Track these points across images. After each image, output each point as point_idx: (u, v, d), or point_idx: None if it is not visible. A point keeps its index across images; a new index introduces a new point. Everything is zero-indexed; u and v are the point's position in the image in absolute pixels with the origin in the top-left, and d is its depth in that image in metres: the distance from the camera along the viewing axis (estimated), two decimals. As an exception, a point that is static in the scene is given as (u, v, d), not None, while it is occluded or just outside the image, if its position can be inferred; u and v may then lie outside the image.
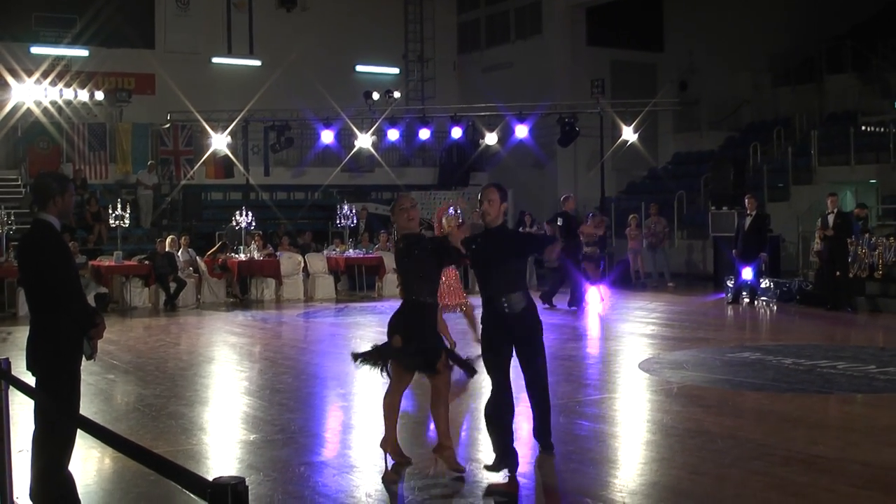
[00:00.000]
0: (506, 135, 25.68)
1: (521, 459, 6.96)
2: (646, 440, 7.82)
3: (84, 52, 26.30)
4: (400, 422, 7.04)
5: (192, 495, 2.96)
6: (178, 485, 2.94)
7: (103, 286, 18.05)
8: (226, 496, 2.65)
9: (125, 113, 26.03)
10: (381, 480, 6.58)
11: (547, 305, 16.99)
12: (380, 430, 6.97)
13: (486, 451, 7.54)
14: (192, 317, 17.44)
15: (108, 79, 26.44)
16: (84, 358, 5.50)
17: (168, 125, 25.42)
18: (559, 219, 17.11)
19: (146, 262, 18.74)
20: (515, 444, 6.87)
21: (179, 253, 19.40)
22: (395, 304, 7.20)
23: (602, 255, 18.35)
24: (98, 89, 25.11)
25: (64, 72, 24.94)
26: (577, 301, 17.10)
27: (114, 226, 19.36)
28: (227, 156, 24.77)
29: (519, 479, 6.63)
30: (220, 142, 23.93)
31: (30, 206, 9.88)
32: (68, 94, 24.13)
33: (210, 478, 2.84)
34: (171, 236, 19.92)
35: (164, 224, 24.18)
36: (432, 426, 7.17)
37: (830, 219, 16.70)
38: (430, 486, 6.46)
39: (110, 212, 19.29)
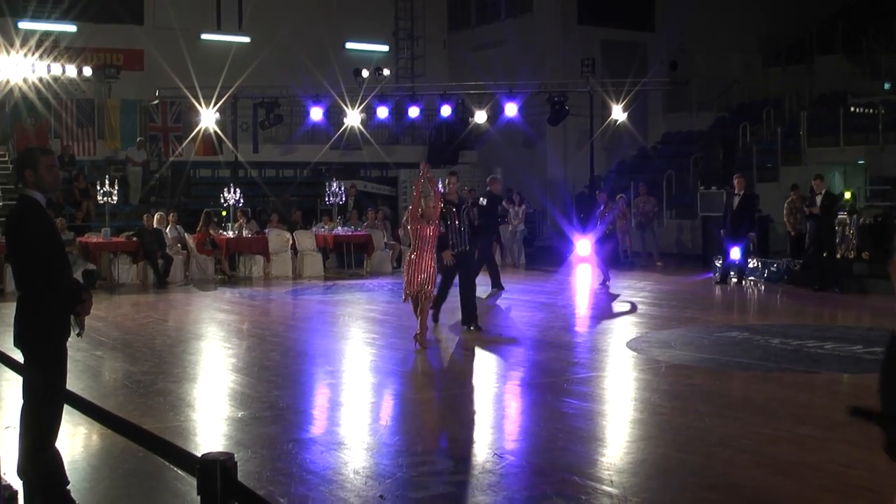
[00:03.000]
0: (495, 113, 25.59)
1: (506, 437, 6.95)
2: (634, 418, 7.85)
3: (72, 28, 26.08)
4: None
5: (180, 472, 2.94)
6: (167, 461, 2.93)
7: (91, 263, 17.98)
8: (214, 472, 2.64)
9: (114, 89, 25.85)
10: (372, 456, 6.59)
11: (496, 289, 16.72)
12: (364, 407, 6.94)
13: (471, 428, 7.54)
14: (181, 294, 17.39)
15: (96, 54, 26.23)
16: (74, 334, 5.47)
17: (157, 101, 25.25)
18: (482, 199, 16.95)
19: (134, 238, 18.67)
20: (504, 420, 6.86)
21: (168, 229, 19.32)
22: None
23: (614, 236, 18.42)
24: (86, 65, 24.88)
25: (52, 47, 24.69)
26: (497, 282, 16.87)
27: (102, 202, 19.26)
28: (215, 132, 24.64)
29: (506, 457, 6.64)
30: (208, 118, 23.78)
31: (16, 183, 9.84)
32: (56, 69, 23.90)
33: (198, 454, 2.83)
34: (159, 213, 19.83)
35: (152, 201, 24.04)
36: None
37: (818, 200, 16.71)
38: (418, 464, 6.46)
39: (98, 188, 19.18)
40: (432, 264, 11.09)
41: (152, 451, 3.11)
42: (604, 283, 17.38)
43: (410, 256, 11.19)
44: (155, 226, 18.94)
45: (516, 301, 15.86)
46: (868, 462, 6.33)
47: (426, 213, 11.02)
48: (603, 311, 14.91)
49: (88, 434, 7.11)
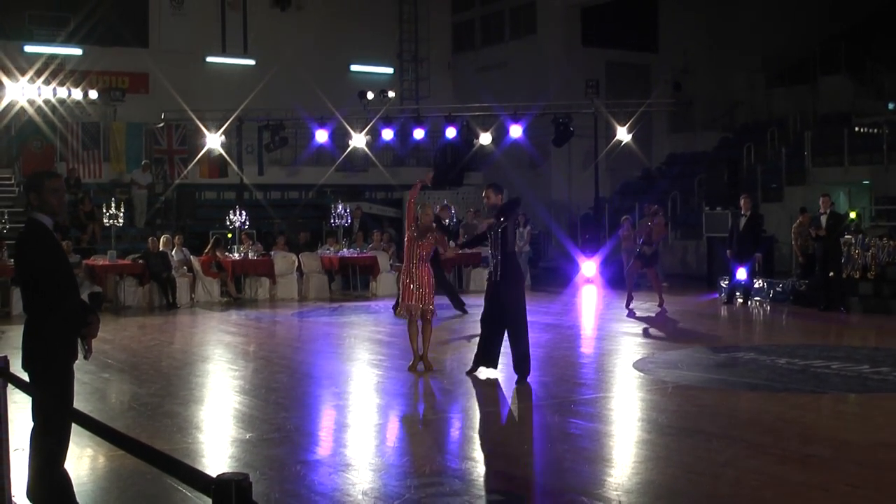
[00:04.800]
0: (500, 135, 25.69)
1: (514, 458, 6.95)
2: (641, 439, 7.84)
3: (78, 51, 26.26)
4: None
5: (188, 493, 2.96)
6: (181, 481, 2.94)
7: (97, 285, 18.03)
8: (230, 492, 2.66)
9: (119, 112, 26.01)
10: (380, 477, 6.60)
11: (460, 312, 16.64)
12: (371, 428, 6.96)
13: (479, 449, 7.56)
14: (187, 316, 17.41)
15: (101, 78, 26.40)
16: (81, 357, 5.51)
17: (162, 124, 25.39)
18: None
19: (140, 260, 18.72)
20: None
21: (173, 252, 19.38)
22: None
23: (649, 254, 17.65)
24: (92, 88, 25.07)
25: (58, 70, 24.88)
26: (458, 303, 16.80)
27: (108, 225, 19.35)
28: (220, 155, 24.75)
29: (514, 478, 6.64)
30: (214, 141, 23.89)
31: (24, 206, 9.91)
32: (62, 92, 24.06)
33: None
34: (165, 235, 19.90)
35: (157, 223, 24.14)
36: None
37: (823, 220, 16.75)
38: (426, 485, 6.47)
39: (104, 211, 19.28)
40: (428, 280, 10.86)
41: (166, 472, 3.14)
42: (659, 306, 17.06)
43: (404, 280, 10.96)
44: (161, 248, 18.99)
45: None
46: (876, 483, 6.34)
47: (421, 224, 10.92)
48: (609, 331, 14.89)
49: (95, 456, 7.12)
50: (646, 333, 14.23)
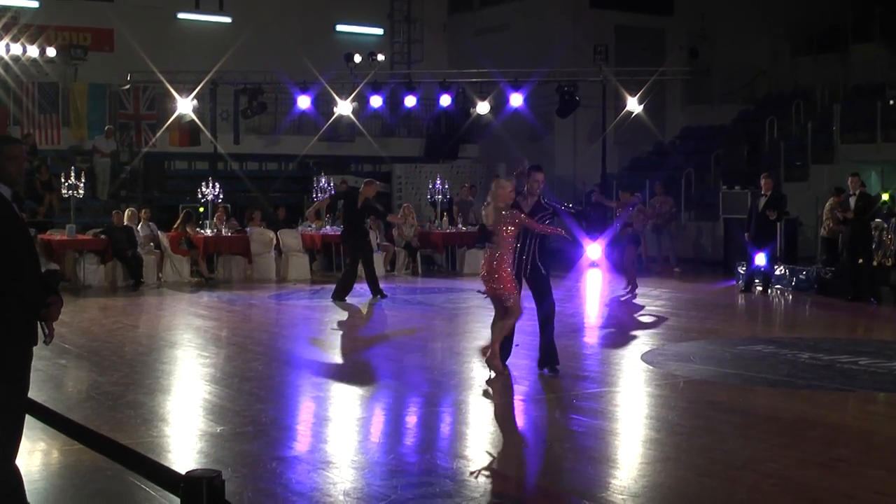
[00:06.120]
0: (499, 104, 25.62)
1: (510, 457, 6.95)
2: (649, 438, 7.85)
3: (34, 3, 26.10)
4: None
5: (152, 492, 2.95)
6: (145, 478, 2.92)
7: (54, 263, 17.97)
8: (200, 491, 2.64)
9: (80, 72, 25.82)
10: (363, 476, 6.58)
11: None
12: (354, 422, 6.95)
13: (472, 447, 7.57)
14: (153, 297, 17.39)
15: (61, 33, 26.21)
16: (42, 342, 5.47)
17: (128, 86, 25.22)
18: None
19: (102, 236, 18.65)
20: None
21: (139, 227, 19.31)
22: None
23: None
24: (50, 45, 24.90)
25: (11, 24, 24.70)
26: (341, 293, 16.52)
27: (67, 196, 19.25)
28: (192, 121, 24.62)
29: (509, 479, 6.64)
30: (185, 106, 23.77)
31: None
32: (16, 49, 23.90)
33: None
34: (130, 209, 19.81)
35: (122, 195, 24.04)
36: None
37: (852, 201, 16.75)
38: (414, 485, 6.46)
39: (63, 181, 19.17)
40: (507, 270, 9.90)
41: (129, 468, 3.12)
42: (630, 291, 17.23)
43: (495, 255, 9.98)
44: (125, 223, 18.92)
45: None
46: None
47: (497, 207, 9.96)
48: (616, 320, 14.91)
49: (49, 450, 7.10)
50: (656, 323, 14.24)
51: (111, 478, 6.22)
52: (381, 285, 16.83)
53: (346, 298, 16.30)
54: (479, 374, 10.21)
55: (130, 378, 10.06)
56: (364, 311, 15.75)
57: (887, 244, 16.79)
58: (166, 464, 6.84)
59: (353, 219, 16.72)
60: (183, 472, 2.84)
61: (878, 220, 17.14)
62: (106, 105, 25.47)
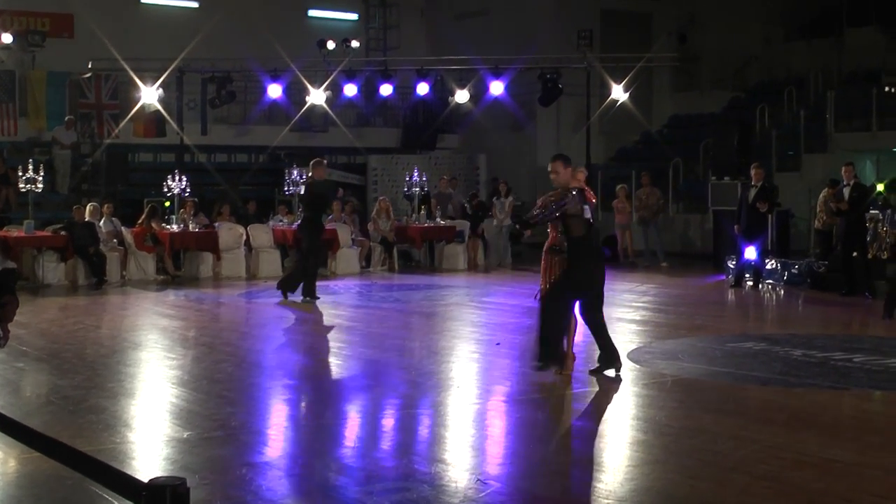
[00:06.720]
0: (479, 92, 25.59)
1: (491, 460, 6.94)
2: (636, 440, 7.86)
3: (-11, -13, 25.94)
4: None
5: (115, 501, 2.92)
6: (107, 487, 2.90)
7: (11, 260, 17.82)
8: (164, 499, 2.62)
9: (38, 59, 25.67)
10: (337, 482, 6.57)
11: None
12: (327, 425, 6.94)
13: (451, 450, 7.56)
14: (117, 296, 17.31)
15: (17, 18, 26.02)
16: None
17: (89, 74, 25.10)
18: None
19: (63, 232, 18.57)
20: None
21: (101, 222, 19.22)
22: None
23: None
24: (6, 31, 24.74)
25: (-36, 10, 24.58)
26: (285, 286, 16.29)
27: (24, 190, 19.11)
28: (158, 111, 24.51)
29: (490, 483, 6.63)
30: (150, 95, 23.65)
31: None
32: (-30, 36, 23.78)
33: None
34: (92, 203, 19.70)
35: (84, 189, 23.94)
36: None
37: (846, 192, 16.82)
38: (390, 491, 6.45)
39: (21, 174, 19.06)
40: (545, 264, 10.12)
41: (90, 477, 3.09)
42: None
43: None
44: (87, 218, 18.84)
45: (502, 305, 15.86)
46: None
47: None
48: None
49: (5, 459, 7.05)
50: (643, 320, 14.26)
51: (72, 487, 6.17)
52: (355, 282, 16.79)
53: (292, 295, 15.97)
54: (459, 374, 10.21)
55: (92, 381, 10.00)
56: (333, 310, 15.71)
57: (882, 236, 16.87)
58: (130, 471, 6.81)
59: (304, 208, 16.66)
60: (147, 479, 2.81)
61: (873, 211, 17.23)
62: (66, 94, 25.33)
